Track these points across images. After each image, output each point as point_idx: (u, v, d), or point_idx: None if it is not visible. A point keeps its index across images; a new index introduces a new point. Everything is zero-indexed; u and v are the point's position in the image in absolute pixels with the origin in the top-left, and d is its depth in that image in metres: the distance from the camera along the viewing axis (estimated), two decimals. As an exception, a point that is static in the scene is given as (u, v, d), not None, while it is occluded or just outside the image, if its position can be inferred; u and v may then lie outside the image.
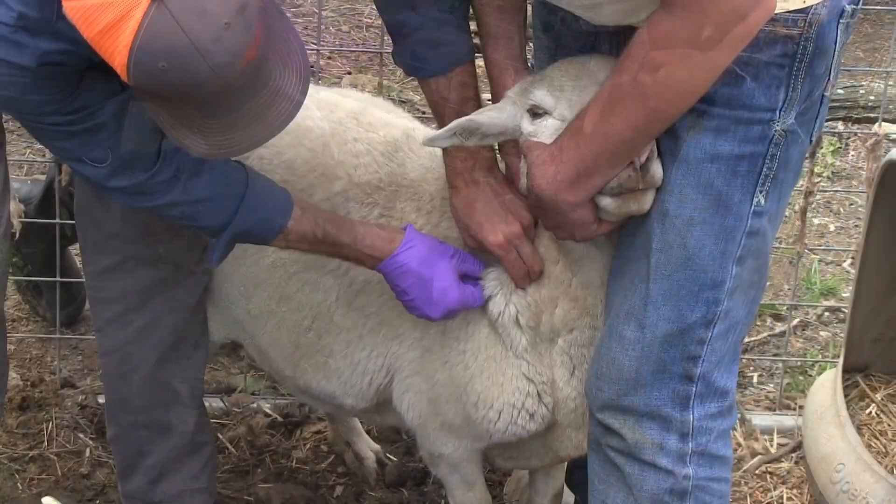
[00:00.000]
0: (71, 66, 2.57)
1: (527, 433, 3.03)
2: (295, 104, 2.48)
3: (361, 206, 3.13)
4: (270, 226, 2.86)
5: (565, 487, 3.56)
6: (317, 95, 3.37)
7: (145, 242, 3.23)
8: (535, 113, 2.71)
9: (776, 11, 2.45)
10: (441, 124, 2.86)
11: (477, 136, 2.77)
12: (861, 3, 2.61)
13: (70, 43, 2.48)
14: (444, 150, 2.92)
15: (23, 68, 2.53)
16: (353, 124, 3.27)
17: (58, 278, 4.39)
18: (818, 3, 2.48)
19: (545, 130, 2.67)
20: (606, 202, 2.59)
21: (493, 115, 2.76)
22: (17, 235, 4.23)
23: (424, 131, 3.27)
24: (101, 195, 3.22)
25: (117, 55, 2.29)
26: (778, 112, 2.54)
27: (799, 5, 2.47)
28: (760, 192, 2.58)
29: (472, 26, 2.89)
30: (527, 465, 3.48)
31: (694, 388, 2.68)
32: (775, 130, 2.54)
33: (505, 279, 2.93)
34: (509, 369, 2.96)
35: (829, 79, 2.59)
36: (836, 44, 2.55)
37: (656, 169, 2.57)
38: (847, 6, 2.54)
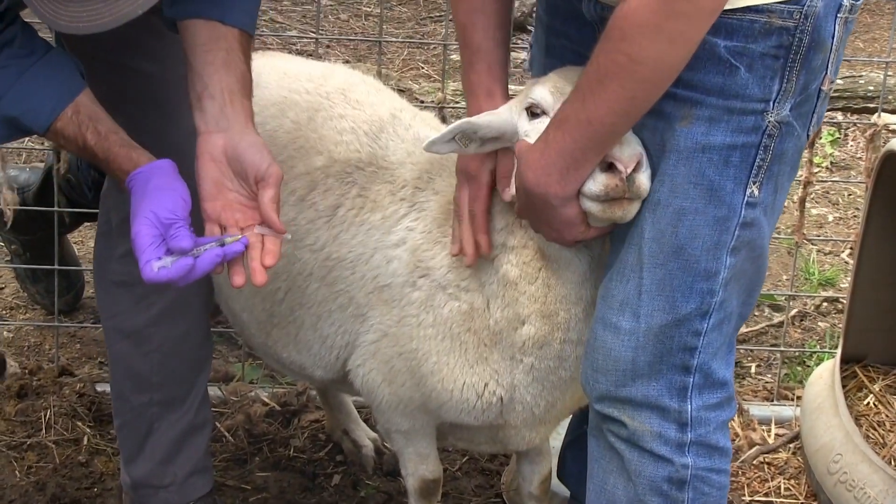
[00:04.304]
0: None
1: (477, 423, 3.10)
2: None
3: (341, 183, 3.15)
4: (37, 118, 2.79)
5: (558, 481, 3.58)
6: (307, 69, 3.37)
7: None
8: (534, 112, 2.72)
9: (772, 1, 2.46)
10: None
11: (476, 142, 2.78)
12: None
13: None
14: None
15: None
16: (340, 99, 3.27)
17: (56, 266, 4.40)
18: None
19: (541, 131, 2.66)
20: (591, 206, 2.60)
21: (489, 119, 2.77)
22: (9, 224, 4.25)
23: (411, 111, 3.29)
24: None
25: None
26: (772, 103, 2.53)
27: None
28: (754, 182, 2.58)
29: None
30: (476, 449, 3.68)
31: (692, 379, 2.69)
32: (769, 121, 2.54)
33: (455, 285, 2.98)
34: (461, 377, 3.01)
35: (826, 73, 2.59)
36: (833, 38, 2.54)
37: (643, 180, 2.57)
38: (845, 1, 2.54)
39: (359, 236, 3.10)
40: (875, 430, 3.94)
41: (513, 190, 2.76)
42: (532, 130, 2.70)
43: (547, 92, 2.69)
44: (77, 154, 2.87)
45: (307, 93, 3.29)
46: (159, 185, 2.69)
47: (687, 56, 2.43)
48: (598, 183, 2.55)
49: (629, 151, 2.54)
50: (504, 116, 2.77)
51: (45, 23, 2.49)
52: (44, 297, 4.70)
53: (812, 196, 5.89)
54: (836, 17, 2.53)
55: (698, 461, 2.72)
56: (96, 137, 2.79)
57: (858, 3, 2.58)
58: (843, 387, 3.95)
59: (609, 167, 2.54)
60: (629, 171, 2.53)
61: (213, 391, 4.25)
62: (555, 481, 3.58)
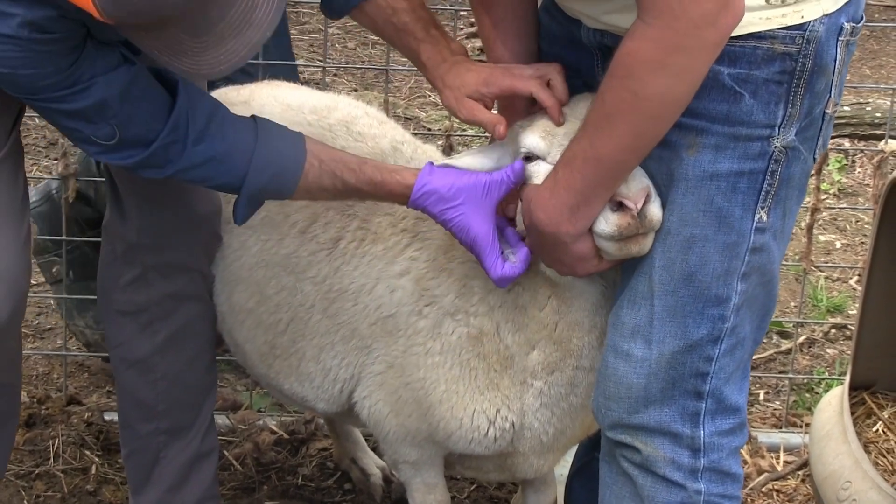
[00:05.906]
0: (63, 35, 2.55)
1: (488, 452, 3.09)
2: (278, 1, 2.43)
3: (342, 216, 3.17)
4: (284, 182, 2.82)
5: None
6: (311, 100, 3.39)
7: (161, 252, 3.26)
8: (528, 158, 2.74)
9: (773, 28, 2.47)
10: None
11: None
12: (862, 21, 2.63)
13: (54, 8, 2.48)
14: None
15: (10, 38, 2.50)
16: (342, 132, 3.29)
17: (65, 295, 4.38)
18: (815, 20, 2.50)
19: (540, 175, 2.68)
20: (607, 245, 2.61)
21: (469, 161, 2.81)
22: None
23: (413, 144, 3.31)
24: (120, 206, 3.24)
25: None
26: (777, 128, 2.55)
27: (798, 21, 2.48)
28: (762, 208, 2.59)
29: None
30: (484, 478, 3.66)
31: (704, 405, 2.69)
32: (775, 147, 2.55)
33: (464, 311, 2.98)
34: (471, 404, 3.00)
35: (830, 96, 2.60)
36: (835, 61, 2.56)
37: (654, 212, 2.58)
38: (846, 24, 2.56)
39: (361, 267, 3.11)
40: (884, 456, 3.92)
41: (520, 225, 2.77)
42: (532, 175, 2.72)
43: (538, 138, 2.71)
44: (334, 199, 2.95)
45: (310, 125, 3.30)
46: (453, 186, 2.77)
47: (693, 90, 2.44)
48: (610, 224, 2.57)
49: (636, 186, 2.55)
50: (491, 157, 2.81)
51: (187, 74, 2.53)
52: (94, 331, 4.43)
53: (820, 223, 5.89)
54: (838, 40, 2.55)
55: (711, 487, 2.73)
56: (354, 175, 2.83)
57: (860, 26, 2.61)
58: (852, 414, 3.94)
59: (619, 206, 2.55)
60: (639, 206, 2.54)
61: (221, 420, 4.25)
62: (562, 509, 3.58)
